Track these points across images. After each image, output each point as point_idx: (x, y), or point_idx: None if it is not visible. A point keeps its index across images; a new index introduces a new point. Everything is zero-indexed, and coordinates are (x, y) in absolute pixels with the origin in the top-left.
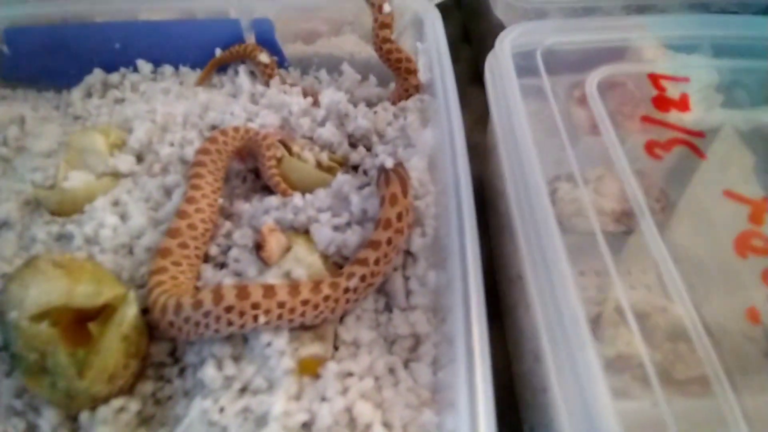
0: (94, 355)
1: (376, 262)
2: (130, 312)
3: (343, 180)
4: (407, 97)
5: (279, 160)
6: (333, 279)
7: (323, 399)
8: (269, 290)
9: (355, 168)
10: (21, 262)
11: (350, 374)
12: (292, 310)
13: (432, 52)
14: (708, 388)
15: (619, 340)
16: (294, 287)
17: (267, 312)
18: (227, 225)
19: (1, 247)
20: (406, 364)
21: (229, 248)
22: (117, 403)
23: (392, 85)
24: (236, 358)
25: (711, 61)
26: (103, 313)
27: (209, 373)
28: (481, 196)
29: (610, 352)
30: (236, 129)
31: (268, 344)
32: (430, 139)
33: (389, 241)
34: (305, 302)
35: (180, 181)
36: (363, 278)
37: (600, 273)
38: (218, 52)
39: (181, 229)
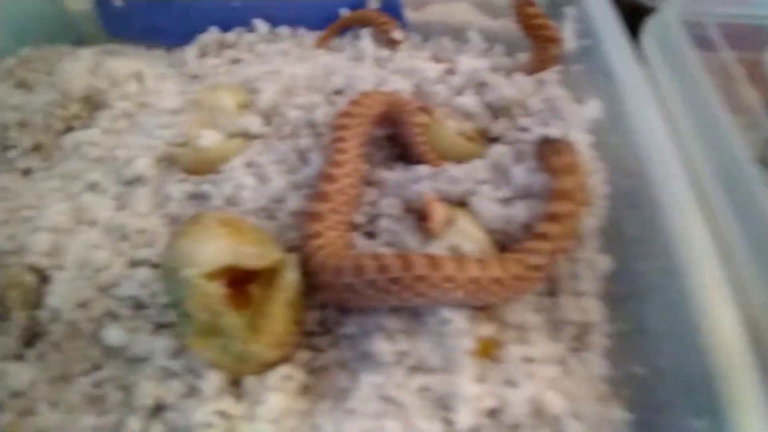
0: (262, 319)
1: (559, 236)
2: (293, 276)
3: (501, 151)
4: (544, 68)
5: (424, 128)
6: (517, 255)
7: (511, 384)
8: (460, 263)
9: (495, 140)
10: (156, 218)
11: (529, 359)
12: (482, 287)
13: (592, 16)
14: None
15: None
16: (484, 262)
17: (460, 287)
18: (370, 192)
19: (137, 203)
20: (573, 353)
21: (375, 217)
22: (284, 370)
23: (519, 56)
24: (407, 333)
25: None
26: (261, 276)
27: (380, 346)
28: None
29: None
30: (380, 93)
31: (447, 321)
32: (594, 112)
33: (571, 214)
34: (497, 280)
35: (312, 144)
36: (549, 254)
37: None
38: (343, 12)
39: (330, 193)
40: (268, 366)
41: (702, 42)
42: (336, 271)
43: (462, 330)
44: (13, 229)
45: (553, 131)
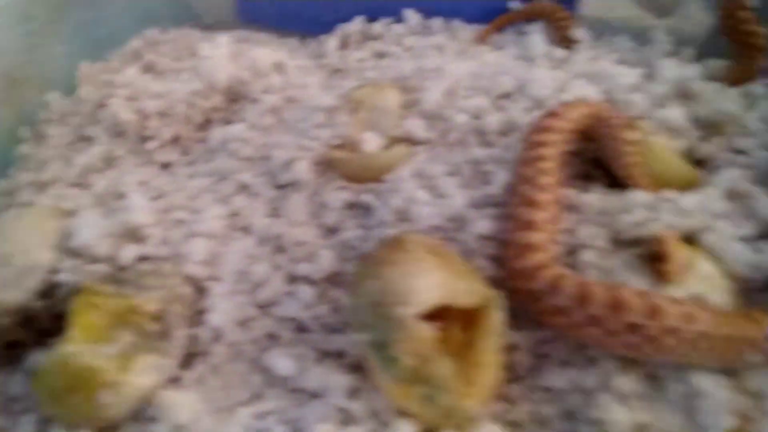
0: (473, 369)
1: None
2: (499, 317)
3: (734, 176)
4: (748, 80)
5: (637, 146)
6: None
7: None
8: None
9: (699, 164)
10: (312, 228)
11: None
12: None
13: None
14: None
15: None
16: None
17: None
18: (568, 218)
19: (292, 210)
20: None
21: (575, 248)
22: (491, 428)
23: (711, 64)
24: (644, 398)
25: None
26: (462, 315)
27: (614, 411)
28: None
29: None
30: (583, 104)
31: (702, 393)
32: None
33: None
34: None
35: (487, 156)
36: None
37: None
38: (513, 5)
39: (537, 222)
40: (470, 422)
41: None
42: (581, 299)
43: (720, 404)
44: (165, 232)
45: None
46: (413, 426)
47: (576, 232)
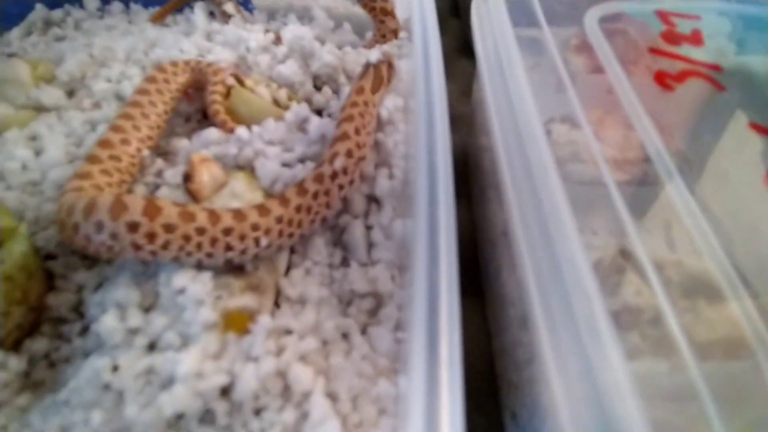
0: None
1: (356, 131)
2: (18, 249)
3: (301, 109)
4: (383, 42)
5: (228, 92)
6: (314, 171)
7: (248, 359)
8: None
9: (318, 112)
10: None
11: (288, 332)
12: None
13: None
14: (743, 349)
15: (625, 288)
16: (282, 199)
17: (267, 232)
18: (159, 163)
19: None
20: (363, 328)
21: (157, 187)
22: None
23: (368, 36)
24: (146, 308)
25: (721, 4)
26: None
27: (107, 323)
28: (464, 168)
29: (615, 304)
30: (184, 62)
31: (181, 291)
32: (403, 75)
33: (361, 115)
34: (298, 208)
35: (110, 117)
36: (349, 154)
37: (605, 225)
38: None
39: (101, 156)
40: None
41: (521, 17)
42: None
43: (199, 299)
44: None
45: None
46: None
47: (163, 174)
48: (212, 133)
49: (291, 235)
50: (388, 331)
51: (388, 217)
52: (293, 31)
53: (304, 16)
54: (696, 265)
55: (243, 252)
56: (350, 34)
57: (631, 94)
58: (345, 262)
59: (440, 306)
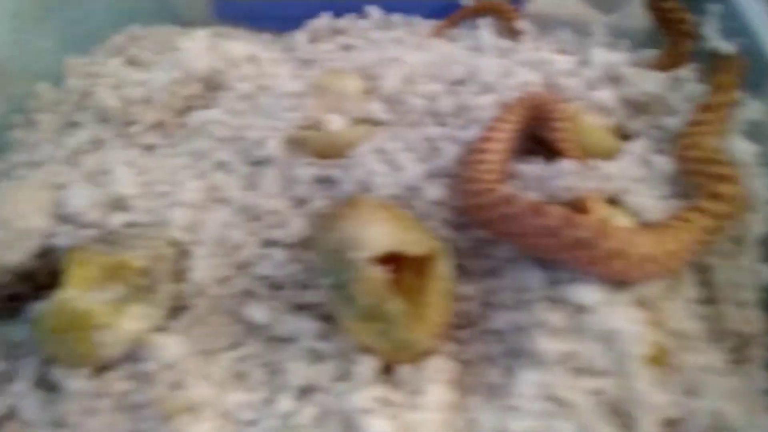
0: (421, 308)
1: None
2: (448, 265)
3: (641, 144)
4: (678, 65)
5: (568, 122)
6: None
7: (692, 394)
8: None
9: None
10: (284, 200)
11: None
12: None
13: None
14: None
15: None
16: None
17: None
18: (511, 185)
19: (266, 184)
20: (734, 365)
21: None
22: (439, 362)
23: (646, 53)
24: (569, 331)
25: None
26: (411, 264)
27: (541, 344)
28: None
29: None
30: (529, 96)
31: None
32: (755, 113)
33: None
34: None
35: (441, 134)
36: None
37: None
38: (466, 2)
39: (487, 160)
40: (422, 356)
41: None
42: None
43: (633, 334)
44: (149, 202)
45: None
46: (374, 360)
47: None
48: (567, 164)
49: None
50: (756, 368)
51: (751, 260)
52: (603, 54)
53: (580, 30)
54: None
55: None
56: (626, 52)
57: None
58: (712, 301)
59: None
